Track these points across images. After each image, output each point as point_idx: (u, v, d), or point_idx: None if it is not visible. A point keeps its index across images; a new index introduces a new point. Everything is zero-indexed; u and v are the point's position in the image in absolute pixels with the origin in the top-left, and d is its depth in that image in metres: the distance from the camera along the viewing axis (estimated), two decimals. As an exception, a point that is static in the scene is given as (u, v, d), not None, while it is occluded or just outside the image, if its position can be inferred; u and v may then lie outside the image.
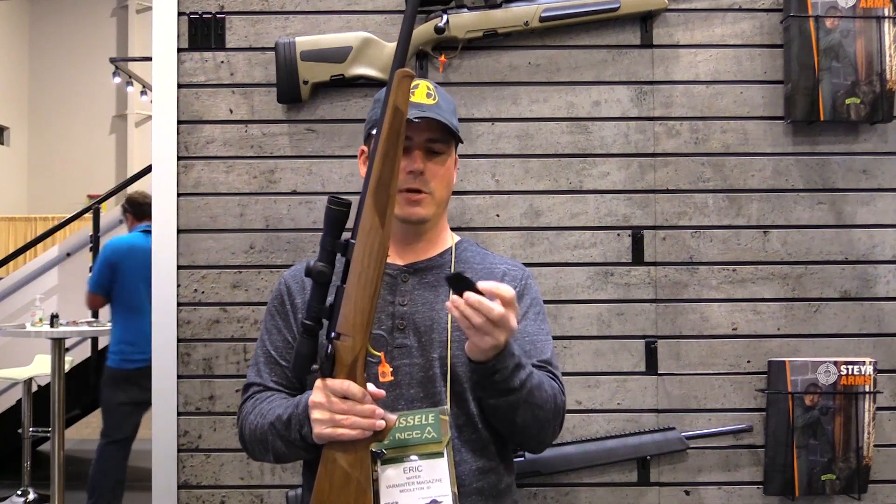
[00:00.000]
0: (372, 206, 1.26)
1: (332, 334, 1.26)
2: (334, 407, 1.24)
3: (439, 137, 1.43)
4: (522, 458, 1.87)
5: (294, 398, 1.36)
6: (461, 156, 1.95)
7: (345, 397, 1.24)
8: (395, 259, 1.48)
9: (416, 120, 1.39)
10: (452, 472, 1.33)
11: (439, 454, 1.33)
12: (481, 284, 1.23)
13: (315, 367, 1.27)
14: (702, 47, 1.99)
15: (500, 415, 1.37)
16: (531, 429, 1.39)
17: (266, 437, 1.36)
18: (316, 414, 1.25)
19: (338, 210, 1.25)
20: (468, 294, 1.22)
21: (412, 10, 1.33)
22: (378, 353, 1.38)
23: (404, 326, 1.42)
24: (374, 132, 1.41)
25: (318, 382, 1.26)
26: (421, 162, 1.42)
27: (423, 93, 1.44)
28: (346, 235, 1.28)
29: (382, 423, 1.24)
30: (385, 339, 1.42)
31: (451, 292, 1.25)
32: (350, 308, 1.25)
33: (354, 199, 1.29)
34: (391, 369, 1.33)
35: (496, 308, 1.22)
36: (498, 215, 1.98)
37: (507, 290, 1.24)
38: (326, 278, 1.25)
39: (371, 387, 1.26)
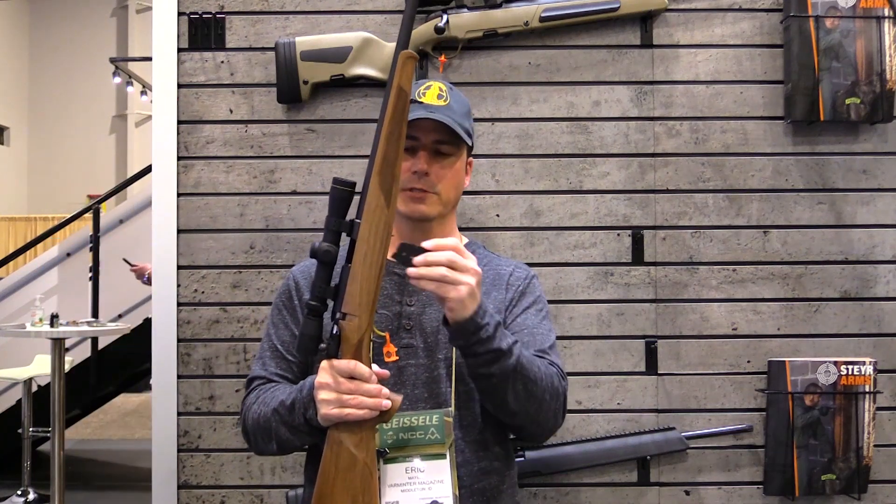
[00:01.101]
0: (377, 185, 1.26)
1: (338, 314, 1.25)
2: (341, 387, 1.23)
3: (447, 139, 1.43)
4: (523, 458, 1.87)
5: (297, 384, 1.35)
6: (461, 156, 1.96)
7: (351, 377, 1.24)
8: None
9: (422, 118, 1.39)
10: (454, 474, 1.33)
11: (442, 455, 1.33)
12: (425, 243, 1.25)
13: (323, 345, 1.26)
14: (702, 47, 1.99)
15: (494, 391, 1.34)
16: (529, 407, 1.35)
17: (269, 425, 1.36)
18: (322, 394, 1.24)
19: (343, 190, 1.26)
20: (417, 258, 1.24)
21: None
22: (383, 334, 1.38)
23: (411, 327, 1.42)
24: None
25: (325, 363, 1.26)
26: (426, 163, 1.41)
27: (434, 94, 1.44)
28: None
29: (388, 402, 1.24)
30: (389, 317, 1.42)
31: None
32: (356, 287, 1.25)
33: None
34: (396, 349, 1.33)
35: (447, 254, 1.23)
36: (498, 215, 1.98)
37: (450, 240, 1.25)
38: (332, 257, 1.25)
39: (376, 367, 1.27)
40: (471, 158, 1.53)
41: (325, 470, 1.26)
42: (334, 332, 1.26)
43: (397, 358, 1.34)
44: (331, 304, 1.28)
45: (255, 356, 1.52)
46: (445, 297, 1.24)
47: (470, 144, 1.49)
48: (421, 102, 1.41)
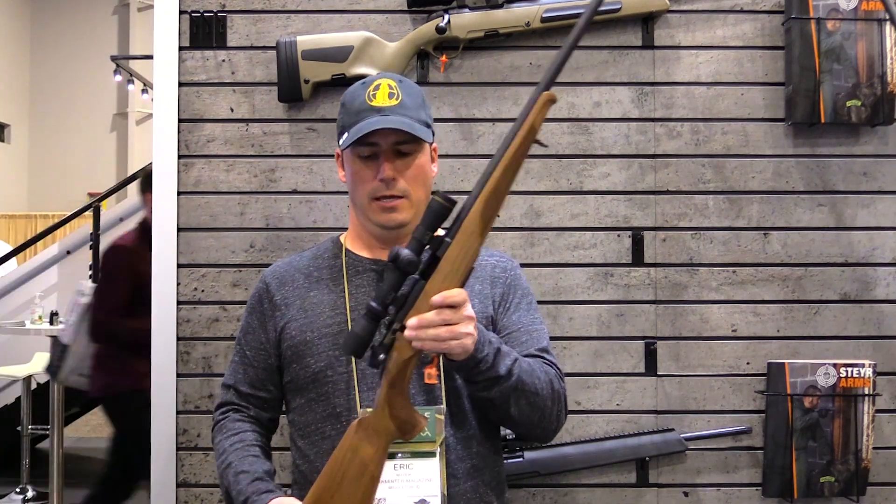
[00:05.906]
0: (480, 211, 1.24)
1: (397, 324, 1.23)
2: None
3: (405, 139, 1.39)
4: (521, 459, 1.87)
5: (245, 482, 1.38)
6: (462, 156, 1.96)
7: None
8: (382, 257, 1.46)
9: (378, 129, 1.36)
10: (443, 473, 1.33)
11: (432, 454, 1.33)
12: (433, 299, 1.21)
13: (368, 352, 1.23)
14: (703, 49, 1.99)
15: (496, 408, 1.36)
16: (530, 417, 1.37)
17: (222, 483, 1.42)
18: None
19: (442, 205, 1.22)
20: (414, 319, 1.20)
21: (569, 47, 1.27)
22: (433, 356, 1.31)
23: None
24: (345, 136, 1.41)
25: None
26: (390, 169, 1.38)
27: (385, 94, 1.40)
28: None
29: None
30: None
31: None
32: (425, 304, 1.22)
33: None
34: (437, 372, 1.29)
35: (441, 314, 1.20)
36: (498, 215, 1.96)
37: (453, 293, 1.21)
38: (414, 268, 1.21)
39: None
40: (435, 144, 1.48)
41: (331, 472, 1.26)
42: (385, 340, 1.23)
43: (436, 382, 1.30)
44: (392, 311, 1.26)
45: (232, 353, 1.53)
46: (448, 353, 1.24)
47: (431, 138, 1.44)
48: (372, 106, 1.38)
